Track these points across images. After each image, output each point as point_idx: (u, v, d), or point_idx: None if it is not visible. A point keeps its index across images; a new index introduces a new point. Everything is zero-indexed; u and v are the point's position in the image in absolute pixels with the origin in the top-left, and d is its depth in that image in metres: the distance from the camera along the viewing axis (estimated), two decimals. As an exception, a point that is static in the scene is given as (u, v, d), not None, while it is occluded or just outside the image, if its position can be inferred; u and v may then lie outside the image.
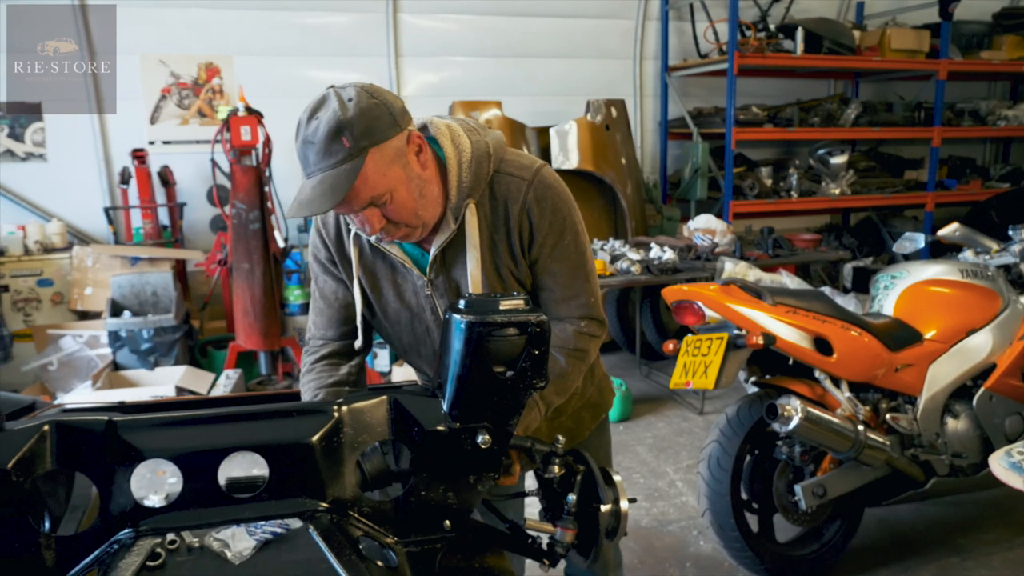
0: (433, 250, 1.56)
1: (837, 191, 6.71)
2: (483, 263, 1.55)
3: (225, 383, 4.46)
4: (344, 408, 1.28)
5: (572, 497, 1.43)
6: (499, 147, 1.59)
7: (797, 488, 2.83)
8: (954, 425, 3.10)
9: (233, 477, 1.19)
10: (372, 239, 1.56)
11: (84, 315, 5.07)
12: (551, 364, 1.60)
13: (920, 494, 3.02)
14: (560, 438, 1.44)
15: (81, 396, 4.28)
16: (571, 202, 1.62)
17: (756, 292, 2.94)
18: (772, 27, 6.59)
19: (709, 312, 2.92)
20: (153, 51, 5.65)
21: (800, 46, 6.39)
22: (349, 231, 1.61)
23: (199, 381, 4.51)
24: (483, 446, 1.30)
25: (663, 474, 3.90)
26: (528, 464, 1.49)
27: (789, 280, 4.77)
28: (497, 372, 1.24)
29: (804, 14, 7.04)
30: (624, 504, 1.42)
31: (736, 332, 2.86)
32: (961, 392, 3.12)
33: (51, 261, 5.14)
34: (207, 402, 1.68)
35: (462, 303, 1.27)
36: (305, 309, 5.38)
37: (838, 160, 6.76)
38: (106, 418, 1.16)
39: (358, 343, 1.69)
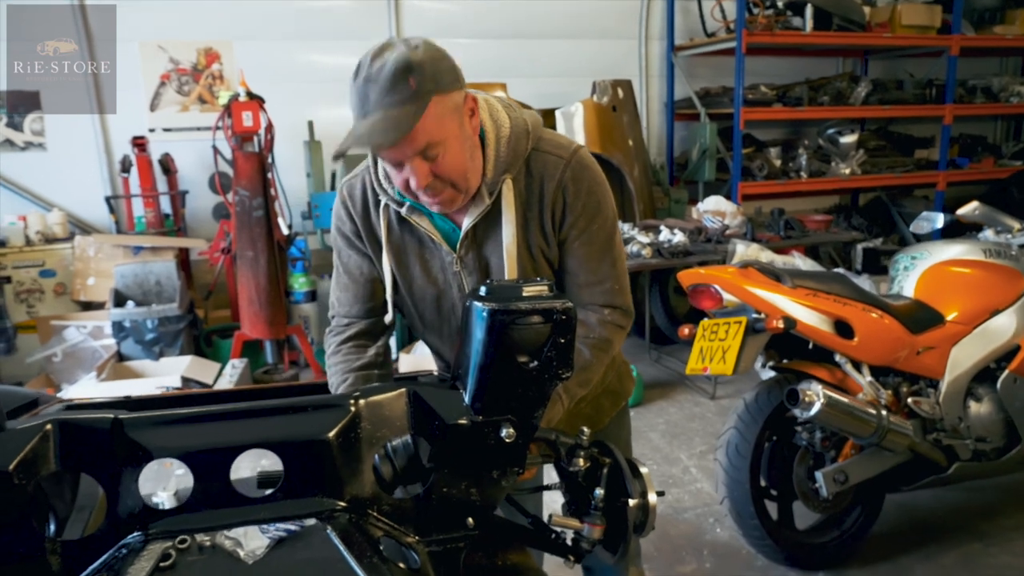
0: (465, 224, 1.51)
1: (847, 171, 6.61)
2: (516, 241, 1.51)
3: (231, 373, 4.41)
4: (361, 402, 1.22)
5: (600, 492, 1.37)
6: (536, 125, 1.55)
7: (818, 475, 2.77)
8: (977, 409, 3.03)
9: (264, 472, 1.14)
10: (403, 210, 1.51)
11: (87, 305, 5.02)
12: (575, 355, 1.55)
13: (942, 479, 2.95)
14: (585, 429, 1.39)
15: (86, 388, 4.23)
16: (606, 186, 1.58)
17: (775, 275, 2.87)
18: (780, 4, 6.47)
19: (727, 296, 2.85)
20: (152, 37, 5.56)
21: (809, 23, 6.28)
22: (377, 203, 1.56)
23: (205, 371, 4.46)
24: (507, 440, 1.24)
25: (676, 460, 3.85)
26: (550, 457, 1.42)
27: (802, 262, 4.69)
28: (521, 362, 1.18)
29: (814, -10, 6.91)
30: (652, 497, 1.37)
31: (755, 316, 2.79)
32: (984, 375, 3.05)
33: (53, 251, 5.08)
34: (216, 396, 1.62)
35: (483, 290, 1.21)
36: (310, 297, 5.32)
37: (848, 139, 6.66)
38: (112, 416, 1.10)
39: (388, 318, 1.62)
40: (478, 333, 1.17)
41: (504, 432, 1.23)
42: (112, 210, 5.37)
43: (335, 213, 1.63)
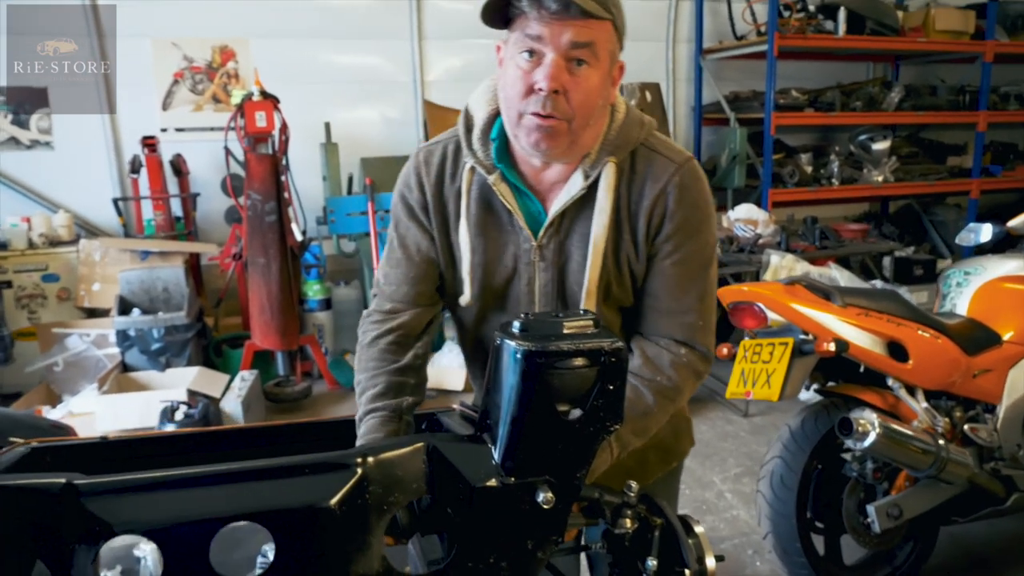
0: (554, 209, 1.35)
1: (880, 178, 6.38)
2: (607, 236, 1.34)
3: (240, 386, 4.24)
4: (371, 460, 1.02)
5: (652, 563, 1.18)
6: (652, 125, 1.41)
7: (870, 508, 2.56)
8: (1037, 436, 2.82)
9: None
10: (491, 177, 1.35)
11: (92, 312, 4.85)
12: (635, 399, 1.33)
13: (1000, 511, 2.75)
14: (632, 484, 1.19)
15: (87, 400, 4.06)
16: (712, 207, 1.41)
17: (824, 292, 2.66)
18: (811, 7, 6.25)
19: (772, 315, 2.64)
20: (165, 34, 5.40)
21: (842, 27, 6.06)
22: (454, 177, 1.40)
23: (213, 383, 4.28)
24: (545, 506, 1.04)
25: (710, 484, 3.63)
26: (594, 520, 1.22)
27: (839, 274, 4.47)
28: (562, 412, 1.00)
29: (844, -7, 6.70)
30: (711, 563, 1.18)
31: (802, 337, 2.58)
32: (1045, 400, 2.84)
33: (57, 255, 4.91)
34: (209, 437, 1.41)
35: (516, 325, 1.02)
36: (325, 305, 5.14)
37: (880, 146, 6.42)
38: (62, 481, 0.90)
39: (464, 298, 1.41)
40: (511, 378, 0.99)
41: (541, 496, 1.04)
42: (120, 212, 5.20)
43: (402, 180, 1.45)
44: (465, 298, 1.41)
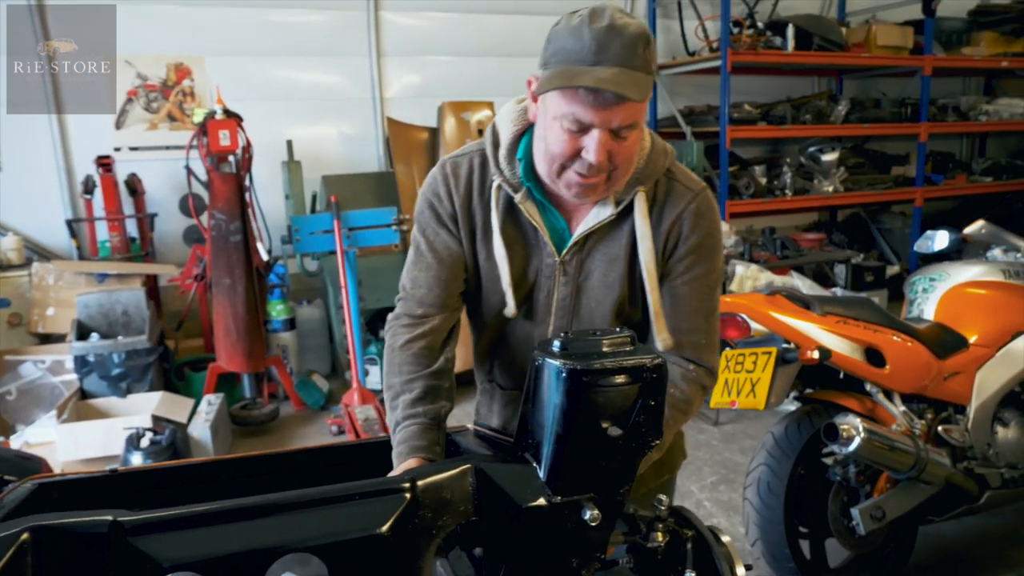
0: (580, 230, 1.41)
1: (830, 188, 6.59)
2: (654, 258, 1.40)
3: (207, 410, 4.11)
4: (420, 484, 1.02)
5: (691, 575, 1.19)
6: (672, 152, 1.47)
7: (854, 511, 2.62)
8: (1004, 434, 2.95)
9: None
10: (517, 196, 1.38)
11: (46, 338, 4.67)
12: None
13: (973, 509, 2.84)
14: (663, 498, 1.21)
15: (45, 430, 3.89)
16: (721, 236, 1.50)
17: (803, 302, 2.73)
18: (760, 24, 6.44)
19: (755, 325, 2.70)
20: (119, 51, 5.24)
21: (791, 43, 6.26)
22: (482, 189, 1.43)
23: (177, 408, 4.15)
24: (592, 523, 1.05)
25: (688, 493, 3.67)
26: (631, 536, 1.23)
27: (800, 282, 4.59)
28: (604, 429, 1.02)
29: (788, 11, 6.91)
30: (741, 572, 1.20)
31: (784, 346, 2.64)
32: (1010, 399, 2.97)
33: (7, 279, 4.72)
34: (228, 464, 1.37)
35: (556, 344, 1.03)
36: (289, 325, 5.05)
37: (829, 157, 6.64)
38: (108, 518, 0.86)
39: (509, 310, 1.43)
40: (554, 397, 1.00)
41: (588, 514, 1.04)
42: (74, 234, 5.03)
43: (429, 189, 1.47)
44: (510, 309, 1.43)
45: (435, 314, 1.45)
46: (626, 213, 1.39)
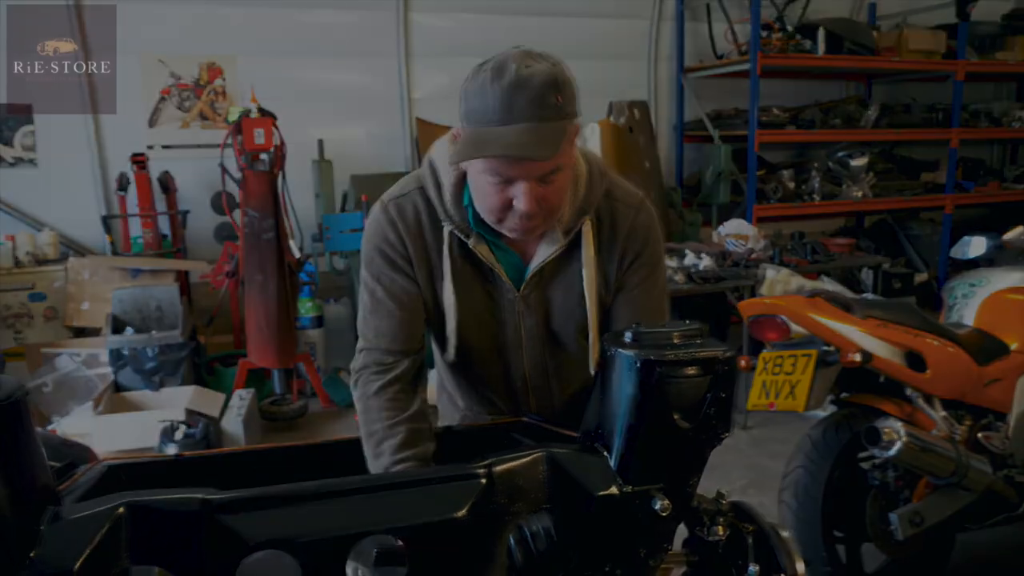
0: (535, 263, 1.43)
1: (859, 194, 6.55)
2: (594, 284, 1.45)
3: (238, 405, 4.16)
4: (496, 470, 1.02)
5: (755, 569, 1.19)
6: (606, 169, 1.50)
7: (892, 516, 2.59)
8: (1045, 443, 2.90)
9: None
10: (470, 241, 1.40)
11: (81, 331, 4.73)
12: None
13: (1012, 517, 2.81)
14: (724, 491, 1.21)
15: (81, 421, 3.94)
16: (663, 241, 1.56)
17: (844, 304, 2.71)
18: (790, 28, 6.42)
19: (795, 327, 2.68)
20: (152, 50, 5.32)
21: (822, 46, 6.22)
22: (433, 227, 1.42)
23: (210, 402, 4.19)
24: (663, 513, 1.05)
25: (719, 497, 3.65)
26: (693, 528, 1.23)
27: (831, 287, 4.55)
28: (676, 420, 1.03)
29: (819, 14, 6.87)
30: (800, 567, 1.19)
31: (825, 348, 2.62)
32: (1052, 407, 2.92)
33: (43, 273, 4.79)
34: (285, 451, 1.39)
35: (628, 335, 1.05)
36: (317, 323, 5.08)
37: (858, 162, 6.60)
38: (200, 496, 0.88)
39: (448, 356, 1.49)
40: (627, 388, 1.01)
41: (658, 505, 1.05)
42: (108, 230, 5.10)
43: (376, 233, 1.44)
44: (449, 356, 1.50)
45: (403, 359, 1.44)
46: (575, 241, 1.42)
